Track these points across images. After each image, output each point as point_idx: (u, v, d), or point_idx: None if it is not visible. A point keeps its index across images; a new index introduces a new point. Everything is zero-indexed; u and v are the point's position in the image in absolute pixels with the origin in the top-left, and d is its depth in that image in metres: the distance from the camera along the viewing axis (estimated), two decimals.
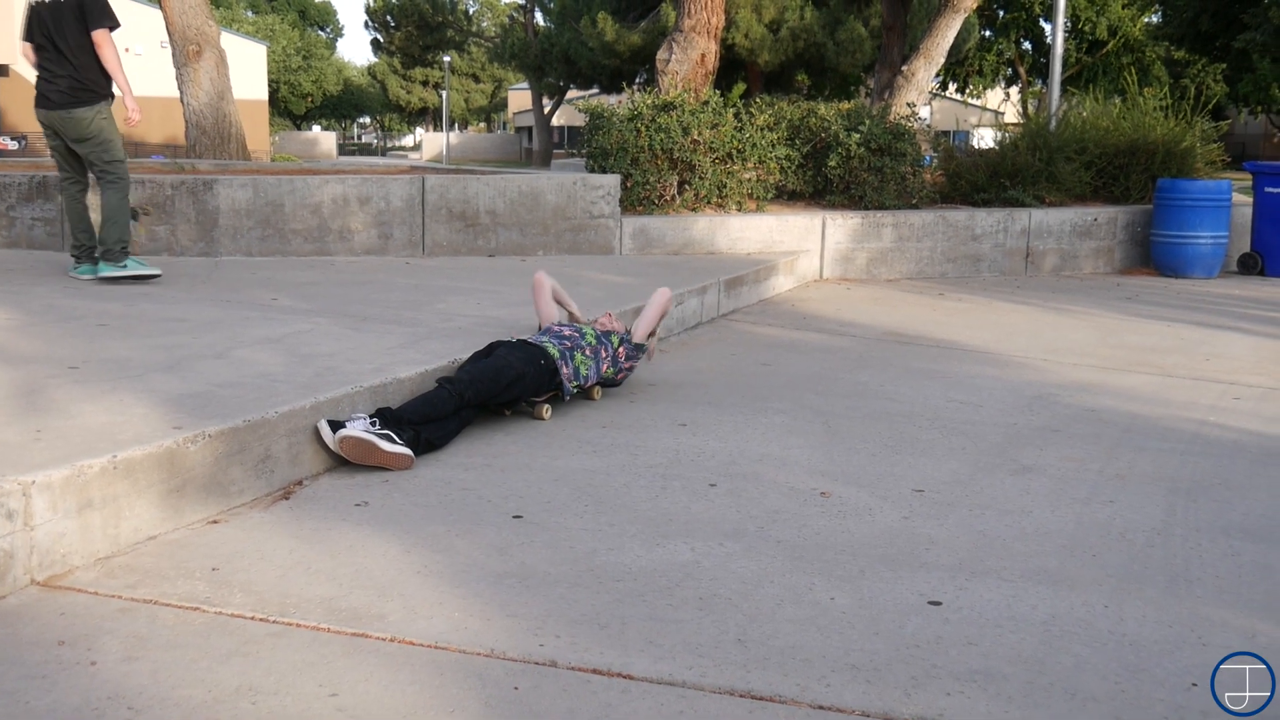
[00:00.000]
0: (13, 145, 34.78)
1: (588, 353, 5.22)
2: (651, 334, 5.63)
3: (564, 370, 5.07)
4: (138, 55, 43.69)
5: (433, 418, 4.44)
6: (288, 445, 3.98)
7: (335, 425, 4.12)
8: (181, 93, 13.68)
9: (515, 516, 3.75)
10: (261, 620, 2.92)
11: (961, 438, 4.92)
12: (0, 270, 7.43)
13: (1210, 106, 13.56)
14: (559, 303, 5.82)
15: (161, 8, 13.56)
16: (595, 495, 3.99)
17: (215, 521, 3.61)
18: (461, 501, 3.88)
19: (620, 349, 5.40)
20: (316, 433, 4.11)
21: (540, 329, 5.49)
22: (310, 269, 8.02)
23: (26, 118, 40.47)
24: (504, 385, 4.76)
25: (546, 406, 5.04)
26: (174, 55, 13.65)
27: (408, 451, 4.22)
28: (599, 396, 5.39)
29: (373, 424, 4.19)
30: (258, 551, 3.38)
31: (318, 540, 3.48)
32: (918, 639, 2.91)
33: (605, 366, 5.33)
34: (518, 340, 5.11)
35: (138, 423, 3.71)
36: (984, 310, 8.68)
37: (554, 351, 5.06)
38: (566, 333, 5.28)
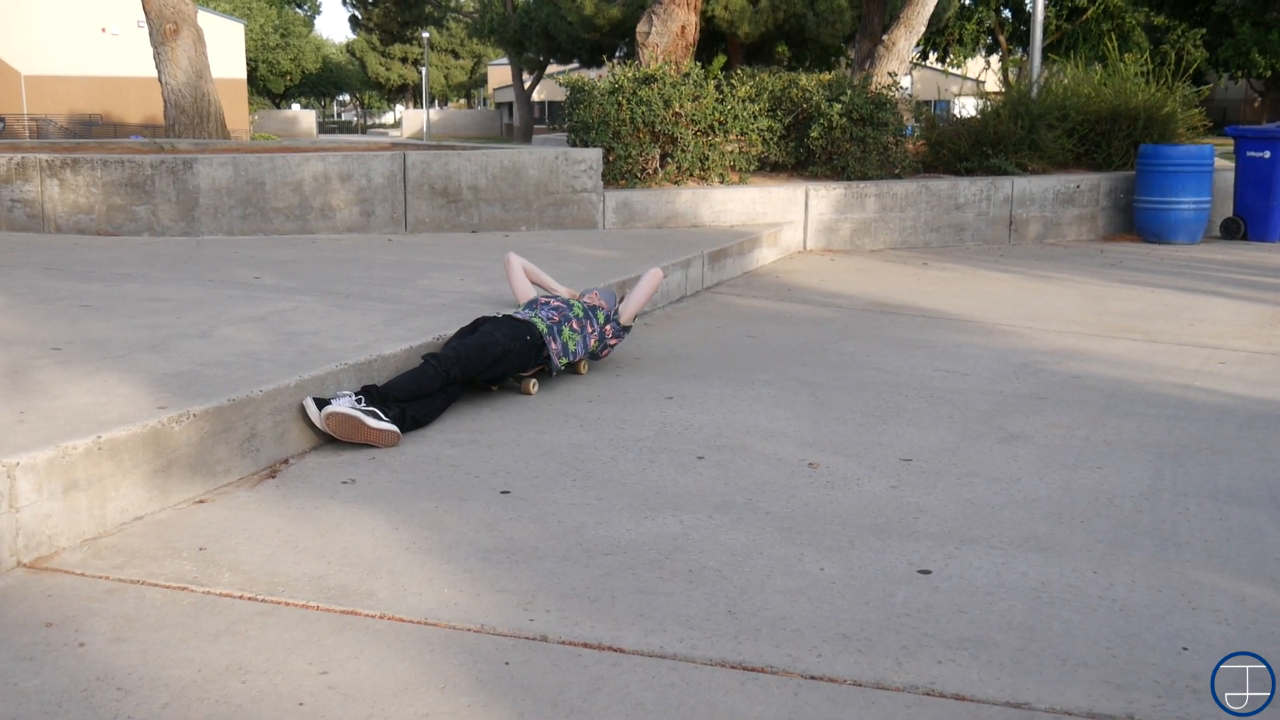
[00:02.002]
0: None
1: (575, 326, 5.19)
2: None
3: (552, 346, 5.04)
4: (115, 35, 43.35)
5: (419, 394, 4.41)
6: (273, 424, 3.96)
7: (321, 402, 4.10)
8: (159, 72, 13.57)
9: (503, 492, 3.74)
10: (250, 599, 2.90)
11: (948, 406, 4.92)
12: None
13: (1191, 72, 13.56)
14: (537, 284, 5.82)
15: None
16: (583, 469, 3.98)
17: (202, 501, 3.59)
18: (449, 478, 3.87)
19: (607, 326, 5.38)
20: (302, 410, 4.09)
21: (522, 306, 5.47)
22: (292, 247, 7.97)
23: (5, 101, 40.17)
24: (490, 361, 4.72)
25: (534, 381, 5.02)
26: (151, 34, 13.54)
27: (394, 428, 4.20)
28: (586, 371, 5.38)
29: (359, 401, 4.17)
30: (245, 531, 3.36)
31: (305, 519, 3.47)
32: (908, 608, 2.91)
33: (592, 341, 5.31)
34: (504, 316, 5.09)
35: (122, 403, 3.69)
36: (968, 279, 8.68)
37: (541, 327, 5.03)
38: (555, 304, 5.25)
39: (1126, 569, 3.19)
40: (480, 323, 4.97)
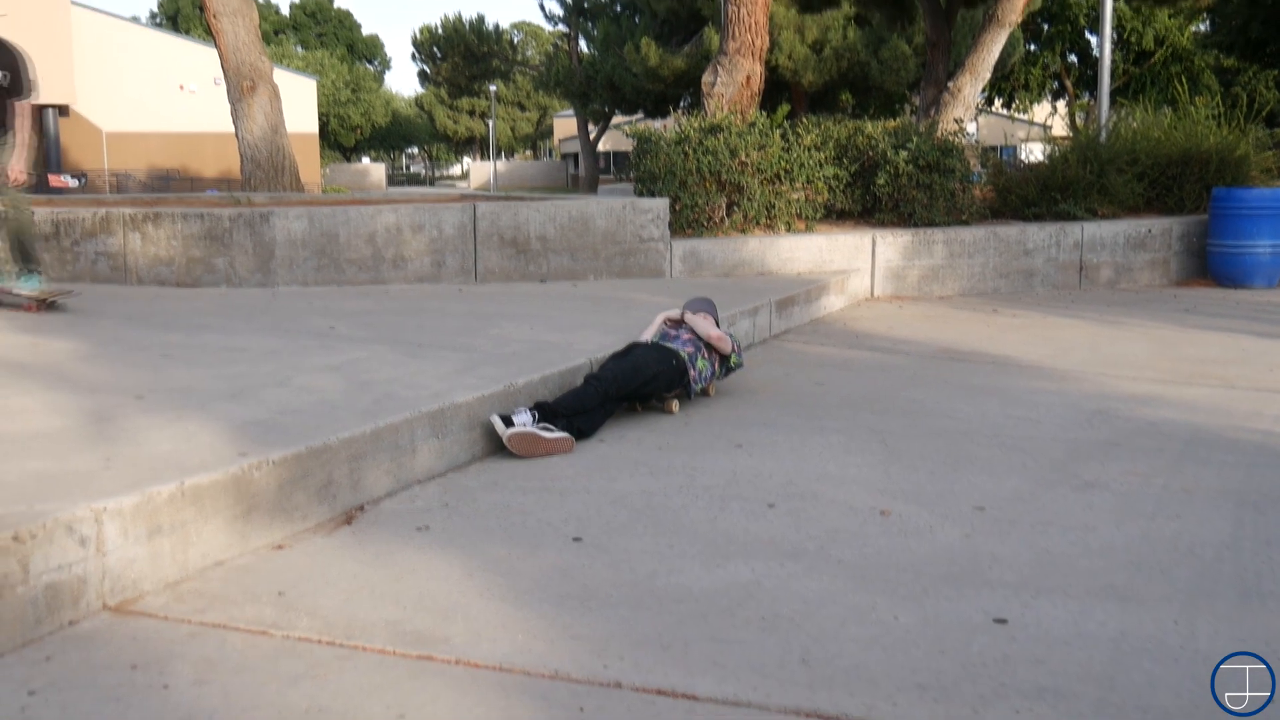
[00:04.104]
0: (74, 183, 35.39)
1: (705, 355, 5.81)
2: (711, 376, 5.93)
3: (691, 372, 5.66)
4: (192, 92, 44.45)
5: (581, 410, 5.03)
6: (349, 471, 4.02)
7: (505, 420, 4.69)
8: (236, 127, 13.91)
9: (575, 539, 3.76)
10: (328, 643, 2.94)
11: (1021, 454, 4.87)
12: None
13: (1264, 114, 13.40)
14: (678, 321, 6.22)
15: (216, 45, 13.82)
16: (654, 517, 4.00)
17: (280, 547, 3.65)
18: (521, 525, 3.90)
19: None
20: (490, 426, 4.72)
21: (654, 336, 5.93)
22: (366, 297, 8.10)
23: (87, 156, 41.27)
24: (641, 382, 5.38)
25: (675, 401, 5.63)
26: (229, 91, 13.89)
27: (567, 435, 4.83)
28: (676, 410, 5.62)
29: (533, 418, 4.77)
30: (323, 576, 3.41)
31: (381, 564, 3.51)
32: (984, 657, 2.88)
33: (716, 365, 5.91)
34: (653, 342, 5.71)
35: (204, 450, 3.77)
36: (1039, 325, 8.61)
37: (684, 354, 5.65)
38: (686, 336, 5.83)
39: (1209, 619, 3.13)
40: (632, 347, 5.61)
